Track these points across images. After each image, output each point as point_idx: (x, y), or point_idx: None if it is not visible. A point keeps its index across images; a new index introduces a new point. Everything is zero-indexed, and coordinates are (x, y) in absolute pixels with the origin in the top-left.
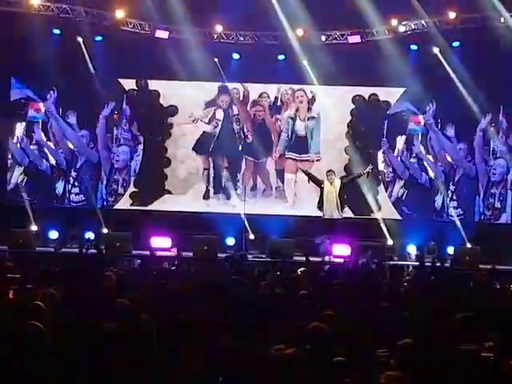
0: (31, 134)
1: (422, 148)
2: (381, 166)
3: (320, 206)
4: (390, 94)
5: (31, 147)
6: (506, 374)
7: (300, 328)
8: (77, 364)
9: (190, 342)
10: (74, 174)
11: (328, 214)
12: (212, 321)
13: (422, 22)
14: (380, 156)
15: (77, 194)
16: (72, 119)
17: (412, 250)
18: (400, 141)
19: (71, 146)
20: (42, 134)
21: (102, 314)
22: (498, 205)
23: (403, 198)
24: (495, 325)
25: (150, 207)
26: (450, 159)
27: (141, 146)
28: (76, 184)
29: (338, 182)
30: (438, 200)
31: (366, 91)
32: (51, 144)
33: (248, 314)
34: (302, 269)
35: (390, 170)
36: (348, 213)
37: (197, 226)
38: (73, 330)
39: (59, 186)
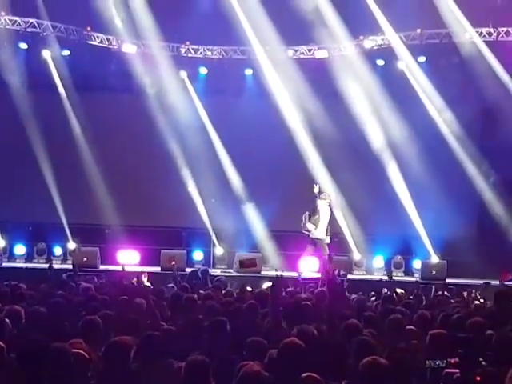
0: None
1: None
2: None
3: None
4: None
5: None
6: None
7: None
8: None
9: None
10: None
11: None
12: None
13: (388, 37)
14: None
15: None
16: None
17: (378, 262)
18: None
19: None
20: None
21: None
22: None
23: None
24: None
25: (117, 221)
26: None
27: None
28: None
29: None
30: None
31: None
32: None
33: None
34: (269, 284)
35: None
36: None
37: (164, 240)
38: (36, 349)
39: None
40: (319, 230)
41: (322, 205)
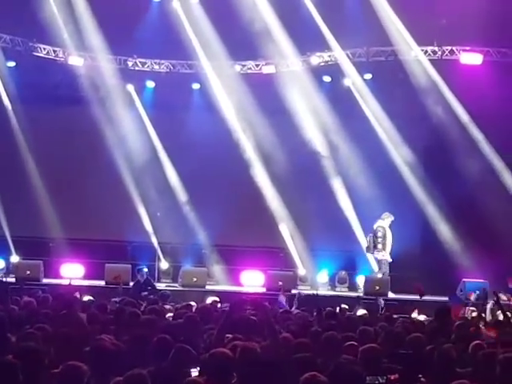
0: None
1: None
2: None
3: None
4: None
5: None
6: None
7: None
8: None
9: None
10: None
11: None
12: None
13: (335, 54)
14: None
15: None
16: None
17: (323, 277)
18: None
19: None
20: None
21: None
22: None
23: None
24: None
25: (61, 234)
26: None
27: None
28: None
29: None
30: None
31: None
32: None
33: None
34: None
35: None
36: (263, 241)
37: (109, 253)
38: None
39: None
40: (387, 252)
41: (385, 226)
